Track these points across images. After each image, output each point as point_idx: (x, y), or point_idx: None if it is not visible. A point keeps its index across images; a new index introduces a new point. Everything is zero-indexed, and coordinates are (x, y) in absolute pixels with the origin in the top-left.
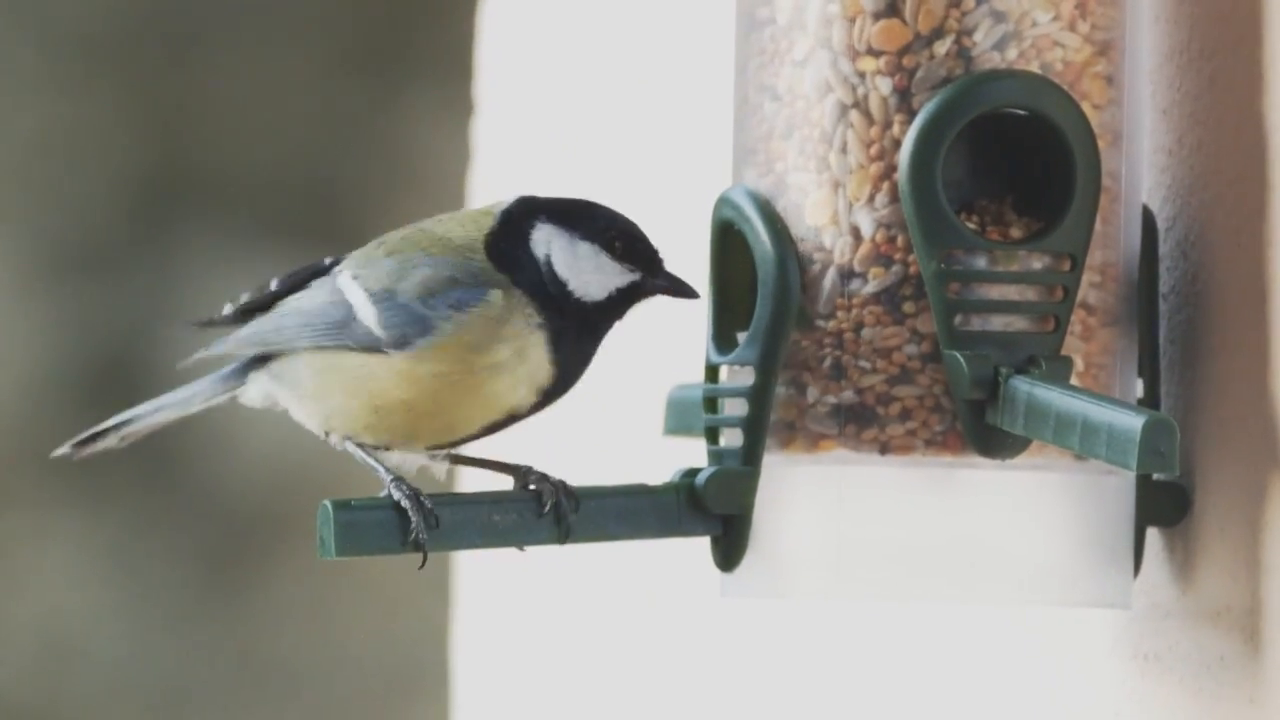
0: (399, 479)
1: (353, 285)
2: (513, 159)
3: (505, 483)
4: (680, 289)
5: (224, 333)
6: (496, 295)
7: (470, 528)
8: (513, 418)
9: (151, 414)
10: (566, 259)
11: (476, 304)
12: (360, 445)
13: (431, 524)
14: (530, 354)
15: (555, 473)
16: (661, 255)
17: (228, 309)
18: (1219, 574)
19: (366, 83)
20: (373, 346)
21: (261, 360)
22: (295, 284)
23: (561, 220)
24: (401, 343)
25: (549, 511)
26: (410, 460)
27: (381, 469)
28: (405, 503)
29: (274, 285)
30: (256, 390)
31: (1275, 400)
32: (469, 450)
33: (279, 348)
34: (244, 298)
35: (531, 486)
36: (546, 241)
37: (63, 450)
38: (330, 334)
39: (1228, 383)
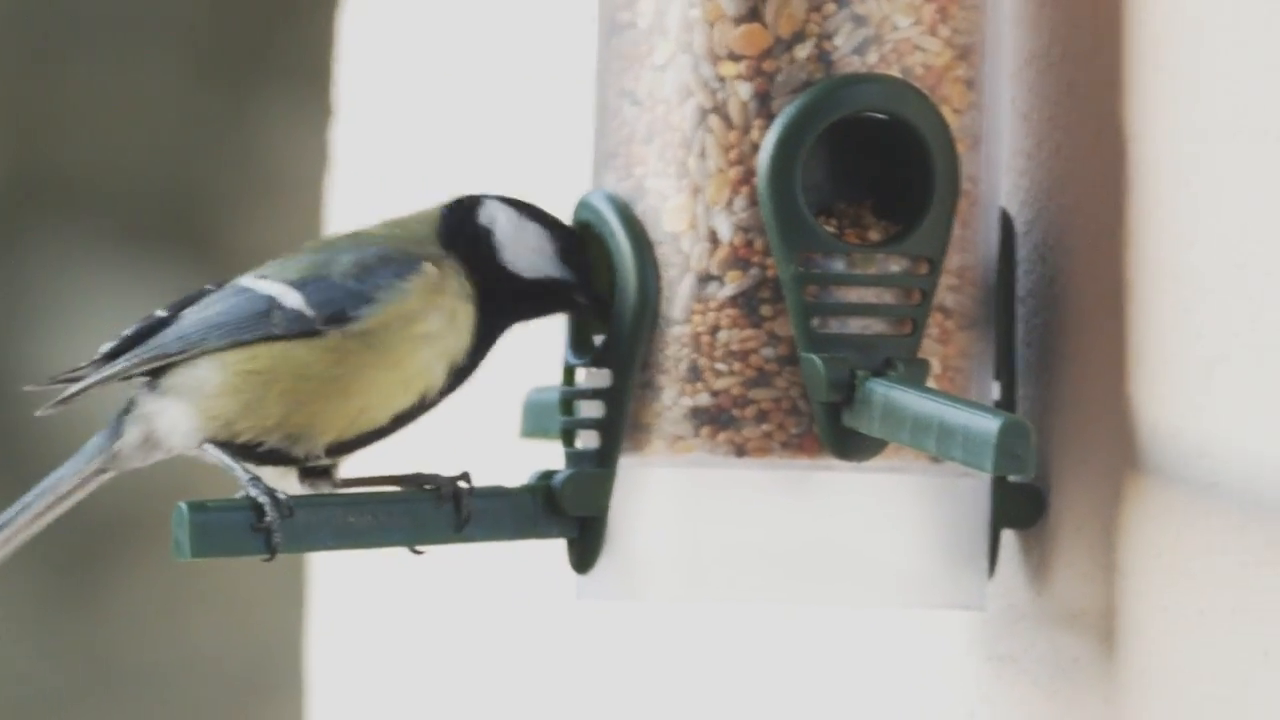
0: (256, 478)
1: (263, 283)
2: (372, 164)
3: None
4: (601, 309)
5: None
6: (429, 267)
7: (325, 529)
8: (420, 406)
9: (16, 519)
10: (509, 230)
11: (412, 274)
12: (221, 446)
13: (285, 514)
14: (459, 321)
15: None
16: (592, 277)
17: (85, 363)
18: (1074, 576)
19: (223, 87)
20: (302, 329)
21: (147, 388)
22: (181, 308)
23: (512, 203)
24: (338, 318)
25: (448, 499)
26: (290, 484)
27: (238, 468)
28: (261, 498)
29: (161, 313)
30: (138, 431)
31: (1131, 404)
32: (353, 472)
33: (181, 356)
34: (105, 346)
35: (427, 486)
36: (493, 215)
37: None
38: (249, 327)
39: (1084, 386)
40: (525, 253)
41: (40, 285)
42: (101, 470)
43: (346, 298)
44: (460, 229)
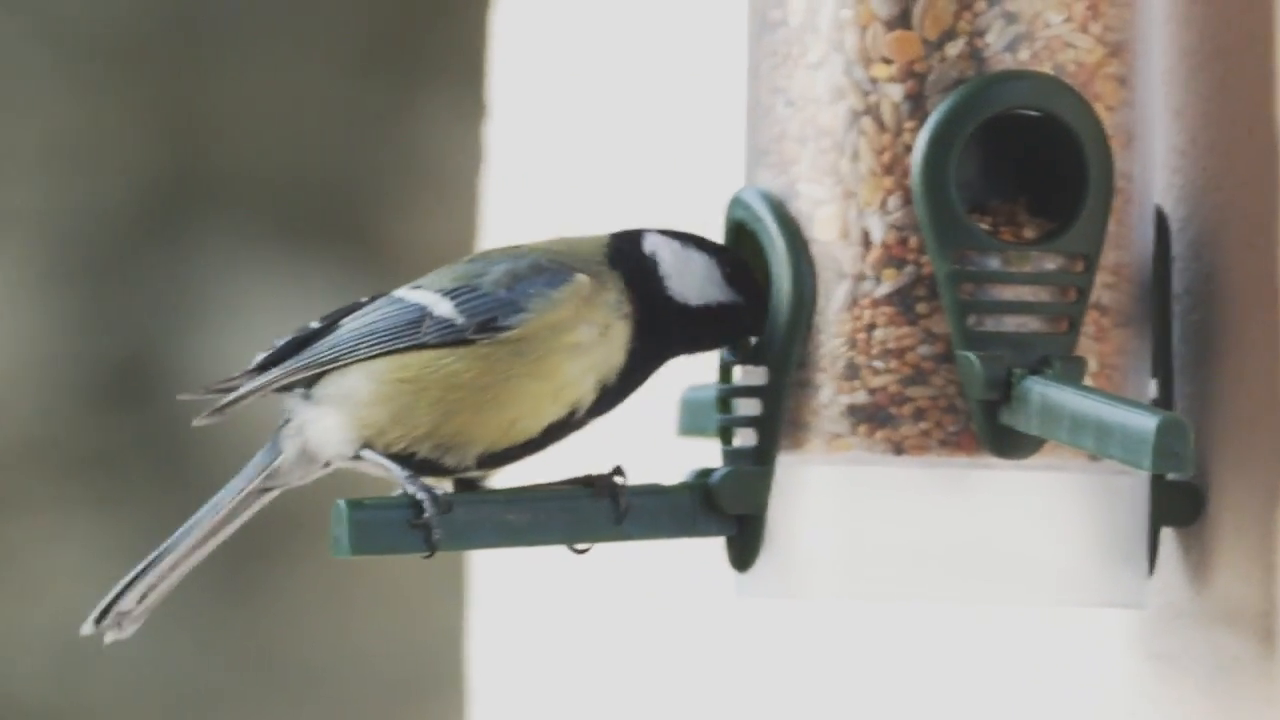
0: (413, 475)
1: (416, 293)
2: (526, 161)
3: None
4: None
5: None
6: (582, 277)
7: (484, 526)
8: (569, 421)
9: (183, 542)
10: (673, 260)
11: (564, 284)
12: (376, 449)
13: (443, 510)
14: (612, 336)
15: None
16: (765, 299)
17: (239, 373)
18: (1234, 575)
19: (380, 85)
20: (453, 338)
21: (302, 399)
22: (335, 320)
23: (675, 235)
24: (488, 326)
25: (605, 493)
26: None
27: (396, 466)
28: (420, 494)
29: (315, 324)
30: (295, 445)
31: None
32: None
33: (335, 364)
34: (259, 356)
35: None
36: (656, 245)
37: (87, 627)
38: (401, 336)
39: (1241, 383)
40: (692, 281)
41: (202, 284)
42: (264, 489)
43: (497, 306)
44: (628, 256)
